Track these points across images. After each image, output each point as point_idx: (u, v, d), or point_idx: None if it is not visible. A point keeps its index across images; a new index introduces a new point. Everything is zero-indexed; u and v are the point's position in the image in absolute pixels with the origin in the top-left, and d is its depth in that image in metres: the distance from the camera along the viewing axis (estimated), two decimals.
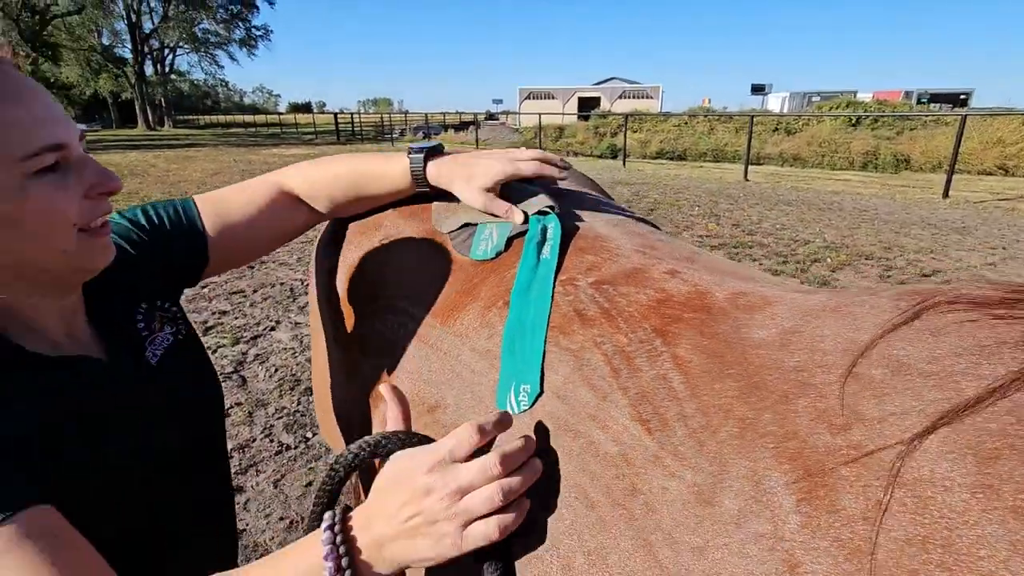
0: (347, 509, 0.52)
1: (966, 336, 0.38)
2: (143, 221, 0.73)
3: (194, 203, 0.76)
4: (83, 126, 0.59)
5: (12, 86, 0.52)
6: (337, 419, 0.93)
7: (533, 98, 52.24)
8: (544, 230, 0.71)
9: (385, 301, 0.78)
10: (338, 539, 0.48)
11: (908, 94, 35.50)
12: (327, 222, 0.93)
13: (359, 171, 0.81)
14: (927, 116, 15.10)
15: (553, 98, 50.50)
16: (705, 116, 18.66)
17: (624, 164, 15.21)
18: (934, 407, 0.35)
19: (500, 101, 56.12)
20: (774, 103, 39.42)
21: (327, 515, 0.50)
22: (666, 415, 0.46)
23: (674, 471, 0.44)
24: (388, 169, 0.80)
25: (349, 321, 0.85)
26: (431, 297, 0.72)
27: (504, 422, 0.51)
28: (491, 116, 37.87)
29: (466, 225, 0.77)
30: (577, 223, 0.75)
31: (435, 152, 0.80)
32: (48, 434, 0.54)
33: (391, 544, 0.48)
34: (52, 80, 42.97)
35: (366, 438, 0.54)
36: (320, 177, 0.82)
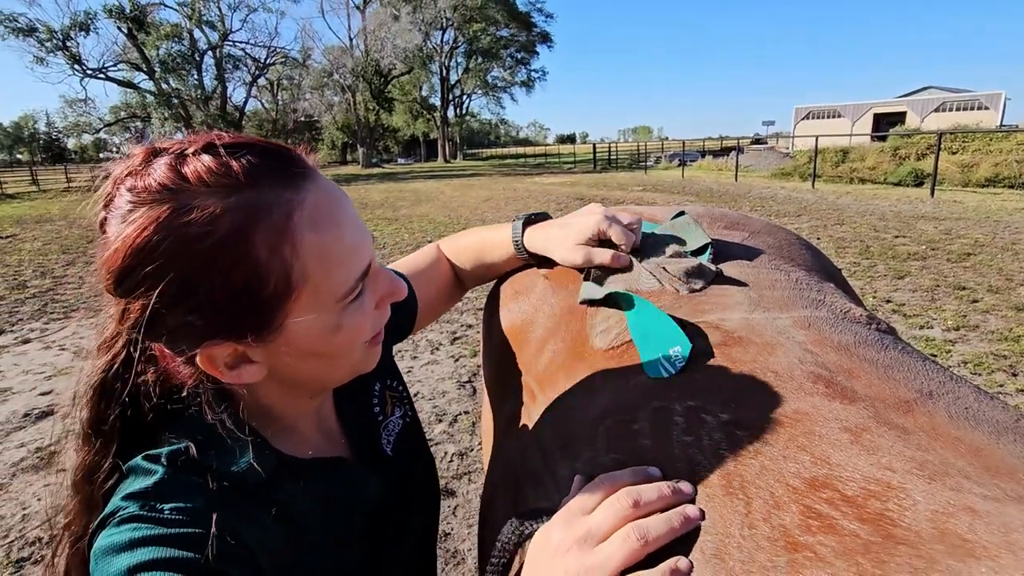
0: None
1: None
2: None
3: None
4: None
5: (330, 213, 0.45)
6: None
7: (812, 117, 46.35)
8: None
9: (516, 372, 0.75)
10: None
11: None
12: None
13: (482, 240, 0.84)
14: None
15: (839, 116, 44.04)
16: None
17: (932, 194, 12.11)
18: None
19: (772, 123, 51.18)
20: None
21: None
22: None
23: None
24: (502, 237, 0.80)
25: (500, 378, 0.83)
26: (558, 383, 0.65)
27: (641, 472, 0.45)
28: (757, 140, 34.87)
29: (609, 298, 0.66)
30: (729, 315, 0.56)
31: (536, 219, 0.79)
32: (298, 545, 0.51)
33: None
34: (386, 126, 56.89)
35: (512, 524, 0.52)
36: (457, 246, 0.86)
